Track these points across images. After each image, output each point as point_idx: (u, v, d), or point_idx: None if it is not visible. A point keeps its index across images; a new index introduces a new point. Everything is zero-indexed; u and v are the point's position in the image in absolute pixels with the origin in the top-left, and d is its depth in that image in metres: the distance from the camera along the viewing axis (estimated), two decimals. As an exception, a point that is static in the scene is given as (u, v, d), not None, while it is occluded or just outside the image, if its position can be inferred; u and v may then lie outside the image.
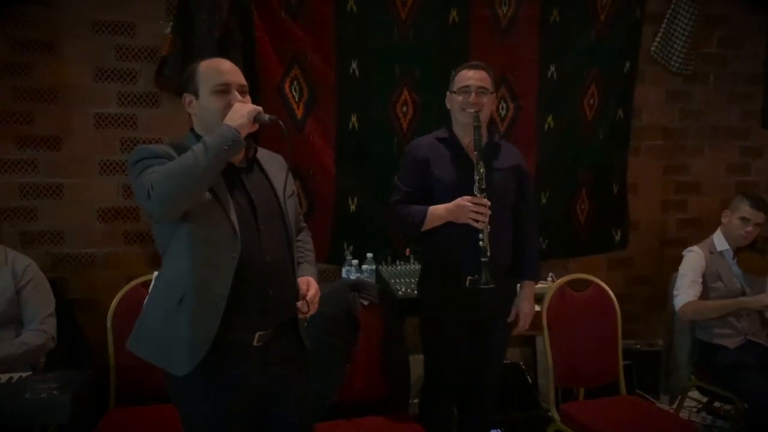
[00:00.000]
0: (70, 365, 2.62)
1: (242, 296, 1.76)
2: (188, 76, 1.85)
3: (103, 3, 2.92)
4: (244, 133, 1.72)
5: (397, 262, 3.22)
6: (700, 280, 2.94)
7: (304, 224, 2.14)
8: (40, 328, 2.48)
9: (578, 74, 3.51)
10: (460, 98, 2.39)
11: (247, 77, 2.88)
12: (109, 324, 2.60)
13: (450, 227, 2.37)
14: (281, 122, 1.78)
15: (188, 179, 1.65)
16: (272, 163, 1.97)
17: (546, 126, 3.52)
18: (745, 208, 2.98)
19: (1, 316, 2.43)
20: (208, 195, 1.75)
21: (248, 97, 1.85)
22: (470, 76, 2.40)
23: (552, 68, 3.47)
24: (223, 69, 1.83)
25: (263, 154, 1.95)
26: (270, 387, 1.86)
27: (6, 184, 2.87)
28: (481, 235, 2.25)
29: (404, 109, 3.29)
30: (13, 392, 2.03)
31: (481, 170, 2.30)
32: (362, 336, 2.53)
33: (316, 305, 1.90)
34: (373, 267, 3.09)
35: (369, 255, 3.11)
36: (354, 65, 3.20)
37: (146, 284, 2.66)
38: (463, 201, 2.26)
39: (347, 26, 3.16)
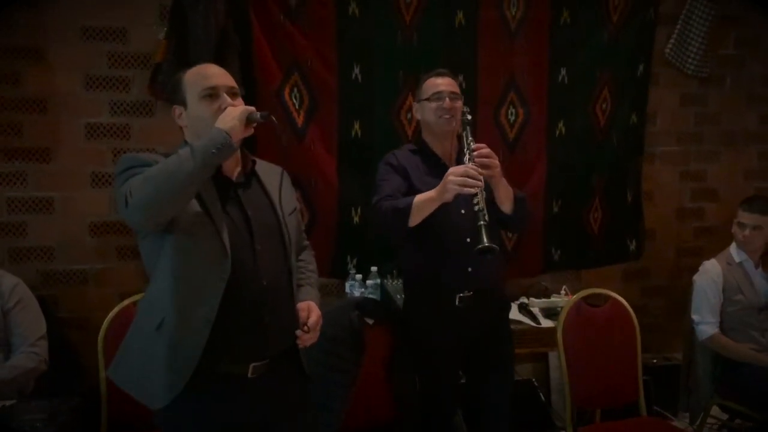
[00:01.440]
0: (60, 388, 2.50)
1: (235, 323, 1.62)
2: (174, 87, 1.73)
3: (94, 7, 2.79)
4: (237, 137, 1.57)
5: (403, 276, 3.08)
6: (719, 299, 2.83)
7: (306, 242, 1.99)
8: (31, 350, 2.38)
9: (590, 77, 3.37)
10: (434, 105, 2.31)
11: (245, 84, 2.84)
12: (99, 346, 2.45)
13: (433, 239, 2.25)
14: (274, 118, 1.65)
15: (170, 184, 1.51)
16: (272, 176, 1.83)
17: (557, 132, 3.37)
18: (740, 213, 2.90)
19: (-13, 339, 2.31)
20: (198, 209, 1.60)
21: (240, 100, 1.71)
22: (440, 83, 2.34)
23: (563, 71, 3.33)
24: (210, 73, 1.72)
25: (262, 168, 1.82)
26: (268, 423, 1.72)
27: (-7, 198, 2.75)
28: (476, 199, 2.05)
29: (409, 115, 3.15)
30: (-4, 424, 1.91)
31: (470, 141, 2.16)
32: (368, 357, 2.40)
33: (318, 333, 1.76)
34: (378, 281, 2.95)
35: (373, 269, 2.98)
36: (356, 70, 3.07)
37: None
38: (449, 171, 2.08)
39: (349, 29, 3.03)
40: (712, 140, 3.65)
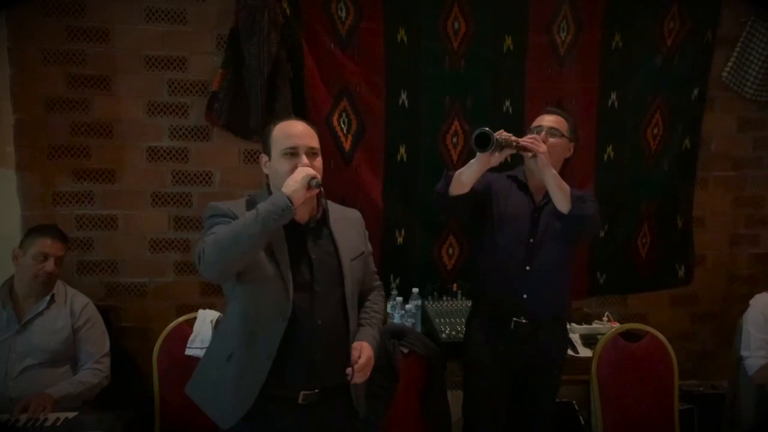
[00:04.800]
0: (119, 394, 2.71)
1: (289, 355, 1.79)
2: (265, 137, 1.93)
3: (157, 38, 2.96)
4: (298, 201, 1.74)
5: (444, 298, 3.15)
6: None
7: (377, 283, 2.11)
8: (96, 366, 2.58)
9: (641, 102, 3.33)
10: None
11: (295, 111, 2.96)
12: (154, 359, 2.67)
13: (497, 262, 2.38)
14: (322, 188, 1.80)
15: (236, 247, 1.70)
16: (343, 222, 1.98)
17: (606, 156, 3.35)
18: None
19: (57, 354, 2.52)
20: (266, 254, 1.79)
21: (319, 159, 1.88)
22: (545, 119, 2.45)
23: (613, 96, 3.30)
24: (293, 132, 1.87)
25: (336, 213, 1.96)
26: None
27: (64, 216, 2.96)
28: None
29: (454, 140, 3.20)
30: (57, 436, 2.11)
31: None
32: (402, 384, 2.49)
33: (367, 374, 1.87)
34: (419, 302, 3.03)
35: (415, 290, 3.05)
36: (403, 96, 3.14)
37: (191, 322, 2.73)
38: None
39: (397, 57, 3.10)
40: (772, 166, 3.54)
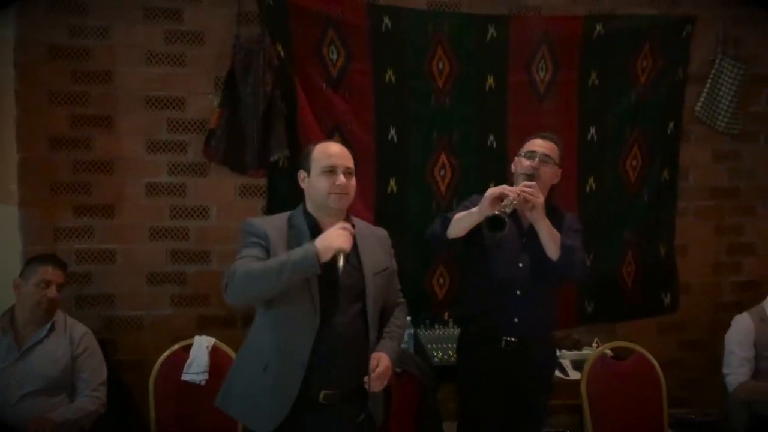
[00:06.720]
0: (116, 426, 2.72)
1: (314, 360, 1.95)
2: (304, 156, 2.12)
3: (157, 80, 3.10)
4: (325, 258, 1.86)
5: (436, 326, 3.21)
6: (751, 353, 2.82)
7: (401, 300, 2.25)
8: (93, 395, 2.61)
9: (619, 135, 3.50)
10: (527, 163, 2.46)
11: (289, 146, 3.08)
12: (151, 385, 2.71)
13: (488, 287, 2.45)
14: (341, 261, 1.88)
15: (263, 286, 1.90)
16: (368, 238, 2.13)
17: (587, 187, 3.49)
18: None
19: (56, 381, 2.56)
20: None
21: (353, 179, 2.08)
22: (538, 144, 2.50)
23: (592, 130, 3.47)
24: (332, 153, 2.06)
25: (361, 229, 2.10)
26: None
27: (64, 251, 3.00)
28: (506, 201, 2.25)
29: (442, 172, 3.34)
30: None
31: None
32: (395, 405, 2.52)
33: (383, 383, 2.01)
34: (411, 331, 3.08)
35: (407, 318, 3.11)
36: (392, 132, 3.29)
37: (187, 348, 2.77)
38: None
39: (386, 95, 3.26)
40: (748, 195, 3.67)
